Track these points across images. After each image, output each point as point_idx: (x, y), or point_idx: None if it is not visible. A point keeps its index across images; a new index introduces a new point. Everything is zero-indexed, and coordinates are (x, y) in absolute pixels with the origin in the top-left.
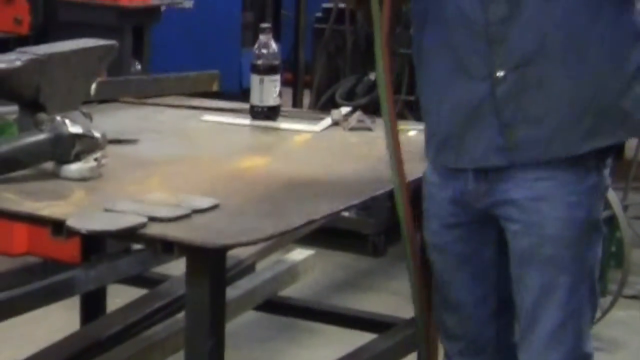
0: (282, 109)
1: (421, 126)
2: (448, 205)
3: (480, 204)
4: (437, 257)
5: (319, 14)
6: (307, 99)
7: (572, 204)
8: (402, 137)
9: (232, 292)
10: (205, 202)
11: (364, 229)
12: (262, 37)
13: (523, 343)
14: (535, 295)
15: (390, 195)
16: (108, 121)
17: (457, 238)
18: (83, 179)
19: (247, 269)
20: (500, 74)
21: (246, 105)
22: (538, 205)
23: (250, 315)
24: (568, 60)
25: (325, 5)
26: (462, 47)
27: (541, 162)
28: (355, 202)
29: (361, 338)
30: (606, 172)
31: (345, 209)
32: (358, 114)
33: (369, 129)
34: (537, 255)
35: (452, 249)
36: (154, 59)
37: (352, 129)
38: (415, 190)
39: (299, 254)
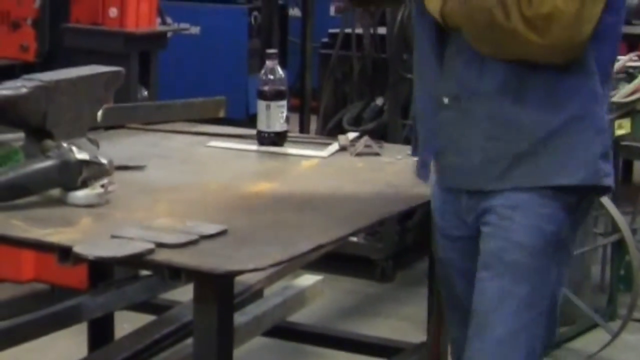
0: (289, 134)
1: None
2: (451, 218)
3: (469, 218)
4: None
5: (325, 40)
6: (314, 124)
7: (544, 215)
8: (411, 163)
9: (240, 318)
10: (212, 228)
11: (372, 254)
12: (269, 63)
13: (468, 350)
14: (491, 300)
15: (398, 220)
16: (115, 148)
17: (459, 250)
18: (90, 206)
19: (255, 294)
20: (445, 100)
21: (253, 131)
22: (512, 212)
23: (258, 341)
24: (504, 100)
25: (332, 30)
26: (427, 73)
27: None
28: (363, 227)
29: None
30: (584, 207)
31: (353, 234)
32: (365, 139)
33: (377, 154)
34: (500, 259)
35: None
36: (161, 86)
37: (359, 154)
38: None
39: (307, 279)
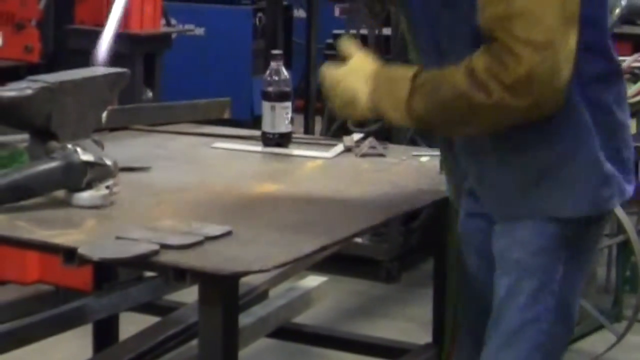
0: (294, 135)
1: (434, 152)
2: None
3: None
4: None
5: (330, 41)
6: (318, 125)
7: (553, 218)
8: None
9: (245, 319)
10: (217, 230)
11: (377, 255)
12: (273, 64)
13: (485, 346)
14: (500, 296)
15: (403, 220)
16: (119, 149)
17: (476, 226)
18: (95, 207)
19: (260, 296)
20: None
21: (257, 133)
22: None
23: (263, 342)
24: (490, 151)
25: (336, 31)
26: None
27: None
28: (368, 228)
29: None
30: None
31: (358, 235)
32: (370, 140)
33: (381, 155)
34: (506, 257)
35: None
36: (165, 87)
37: (364, 155)
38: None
39: (312, 280)
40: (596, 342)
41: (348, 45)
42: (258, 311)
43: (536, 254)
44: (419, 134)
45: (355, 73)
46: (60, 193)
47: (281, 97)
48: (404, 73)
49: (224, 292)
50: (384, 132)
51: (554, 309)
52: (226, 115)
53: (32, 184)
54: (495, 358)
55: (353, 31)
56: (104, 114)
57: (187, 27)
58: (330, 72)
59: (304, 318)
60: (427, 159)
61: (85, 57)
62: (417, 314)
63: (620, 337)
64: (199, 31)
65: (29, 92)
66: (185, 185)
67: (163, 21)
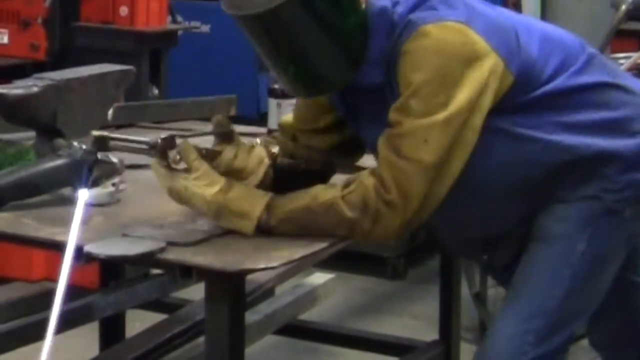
0: None
1: None
2: None
3: None
4: None
5: None
6: None
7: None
8: None
9: (252, 316)
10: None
11: (383, 252)
12: None
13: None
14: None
15: None
16: None
17: None
18: (101, 205)
19: (266, 293)
20: None
21: (264, 129)
22: None
23: (270, 339)
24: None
25: None
26: None
27: None
28: None
29: None
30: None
31: None
32: None
33: None
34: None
35: None
36: (171, 84)
37: None
38: None
39: (319, 277)
40: None
41: (188, 155)
42: (264, 308)
43: (563, 221)
44: None
45: (194, 197)
46: (66, 191)
47: (287, 94)
48: (252, 204)
49: (230, 289)
50: None
51: (570, 281)
52: (232, 112)
53: (39, 181)
54: None
55: None
56: (110, 111)
57: (193, 24)
58: (175, 185)
59: (310, 315)
60: None
61: (91, 55)
62: (423, 311)
63: None
64: (205, 28)
65: (35, 89)
66: None
67: (169, 18)
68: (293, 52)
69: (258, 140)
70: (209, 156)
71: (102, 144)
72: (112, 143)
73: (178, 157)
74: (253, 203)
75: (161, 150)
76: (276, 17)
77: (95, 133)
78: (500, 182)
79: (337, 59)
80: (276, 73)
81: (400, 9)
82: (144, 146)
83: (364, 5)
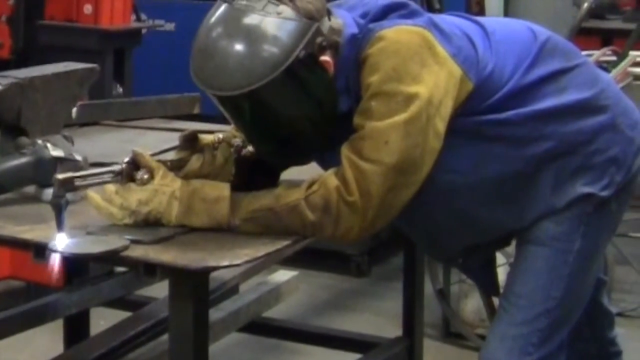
0: None
1: None
2: None
3: None
4: None
5: None
6: None
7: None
8: None
9: (216, 314)
10: None
11: (347, 249)
12: None
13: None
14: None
15: None
16: (89, 144)
17: None
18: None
19: (230, 290)
20: None
21: (228, 127)
22: None
23: (234, 337)
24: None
25: None
26: None
27: None
28: None
29: (345, 358)
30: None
31: None
32: None
33: None
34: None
35: None
36: (135, 82)
37: None
38: None
39: (283, 275)
40: None
41: (143, 157)
42: (229, 306)
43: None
44: None
45: (159, 194)
46: (30, 189)
47: None
48: (218, 193)
49: (194, 287)
50: None
51: (568, 277)
52: (196, 111)
53: (2, 180)
54: None
55: None
56: (74, 110)
57: (157, 22)
58: (130, 196)
59: (274, 312)
60: None
61: (55, 53)
62: (387, 308)
63: None
64: (169, 26)
65: None
66: None
67: (133, 17)
68: (265, 127)
69: (220, 135)
70: (174, 167)
71: (68, 185)
72: (78, 182)
73: (146, 176)
74: (218, 187)
75: (128, 174)
76: (248, 97)
77: (60, 176)
78: (477, 186)
79: (311, 130)
80: (250, 143)
81: (362, 21)
82: (110, 175)
83: (332, 70)
